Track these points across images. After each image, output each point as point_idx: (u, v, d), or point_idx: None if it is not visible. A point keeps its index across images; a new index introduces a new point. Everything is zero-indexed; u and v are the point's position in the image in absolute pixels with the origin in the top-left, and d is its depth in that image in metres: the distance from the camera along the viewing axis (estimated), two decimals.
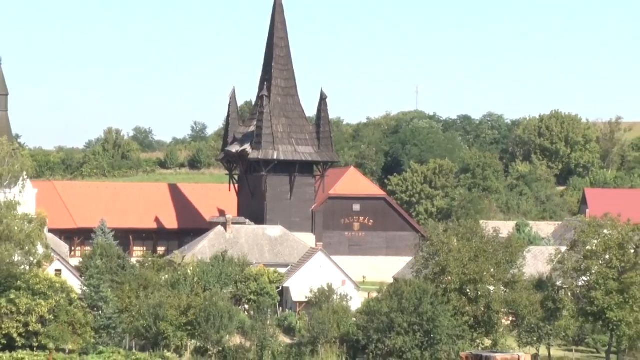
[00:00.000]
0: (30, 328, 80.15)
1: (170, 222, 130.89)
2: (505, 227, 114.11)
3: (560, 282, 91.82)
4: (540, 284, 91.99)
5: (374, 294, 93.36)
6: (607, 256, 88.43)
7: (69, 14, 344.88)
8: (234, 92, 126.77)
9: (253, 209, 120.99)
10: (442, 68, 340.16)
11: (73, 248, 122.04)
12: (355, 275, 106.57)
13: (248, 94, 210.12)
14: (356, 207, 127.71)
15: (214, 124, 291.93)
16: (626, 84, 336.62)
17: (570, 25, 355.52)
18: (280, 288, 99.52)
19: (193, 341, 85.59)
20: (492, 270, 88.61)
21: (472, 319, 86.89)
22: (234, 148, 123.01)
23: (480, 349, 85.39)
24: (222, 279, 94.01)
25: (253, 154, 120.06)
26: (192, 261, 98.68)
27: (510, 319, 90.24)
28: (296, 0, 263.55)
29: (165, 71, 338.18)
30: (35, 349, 79.85)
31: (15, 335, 79.93)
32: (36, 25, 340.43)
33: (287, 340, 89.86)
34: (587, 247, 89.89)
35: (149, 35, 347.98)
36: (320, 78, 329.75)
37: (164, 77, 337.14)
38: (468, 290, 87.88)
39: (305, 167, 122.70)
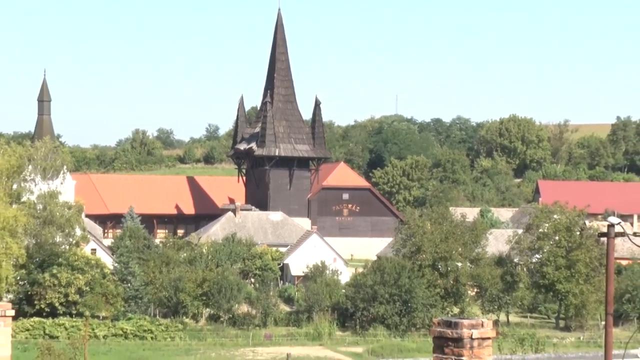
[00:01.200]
0: (70, 298, 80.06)
1: (188, 208, 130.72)
2: (470, 213, 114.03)
3: (517, 259, 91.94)
4: (500, 260, 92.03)
5: (360, 269, 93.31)
6: (557, 237, 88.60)
7: (105, 33, 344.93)
8: (242, 99, 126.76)
9: (258, 197, 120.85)
10: (418, 78, 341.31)
11: (106, 230, 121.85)
12: (344, 254, 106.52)
13: (254, 100, 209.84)
14: (345, 196, 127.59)
15: (225, 126, 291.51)
16: (573, 92, 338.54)
17: (527, 41, 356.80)
18: (281, 264, 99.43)
19: (207, 309, 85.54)
20: (459, 249, 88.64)
21: (443, 290, 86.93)
22: (242, 146, 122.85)
23: (449, 315, 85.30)
24: (232, 256, 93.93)
25: (258, 151, 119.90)
26: (206, 242, 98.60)
27: (475, 290, 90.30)
28: (295, 21, 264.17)
29: (185, 81, 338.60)
30: (73, 315, 79.77)
31: (57, 304, 79.85)
32: (76, 40, 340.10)
33: (287, 308, 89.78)
34: (540, 230, 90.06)
35: (172, 51, 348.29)
36: (315, 87, 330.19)
37: (183, 86, 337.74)
38: (439, 266, 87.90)
39: (302, 163, 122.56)
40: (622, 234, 17.63)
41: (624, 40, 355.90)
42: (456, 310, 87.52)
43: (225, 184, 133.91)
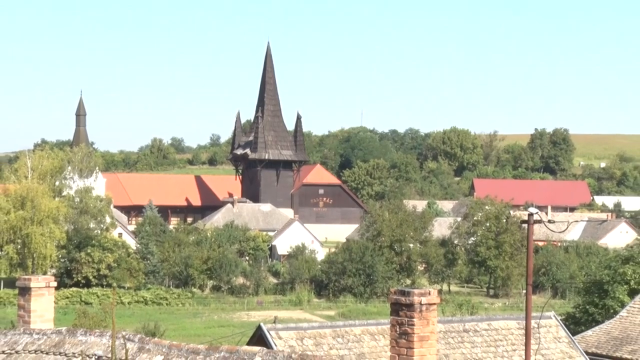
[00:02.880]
0: (101, 272, 79.68)
1: (196, 201, 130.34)
2: (420, 205, 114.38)
3: (457, 241, 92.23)
4: (443, 242, 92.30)
5: (333, 249, 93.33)
6: (488, 224, 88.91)
7: (131, 62, 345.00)
8: (238, 113, 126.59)
9: (251, 192, 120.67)
10: (379, 98, 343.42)
11: (130, 219, 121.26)
12: (320, 237, 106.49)
13: (248, 114, 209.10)
14: (321, 191, 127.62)
15: (226, 135, 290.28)
16: (501, 108, 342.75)
17: (466, 67, 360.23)
18: (270, 245, 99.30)
19: (211, 281, 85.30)
20: (411, 233, 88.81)
21: (398, 266, 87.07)
22: (239, 151, 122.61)
23: (403, 286, 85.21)
24: (231, 239, 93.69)
25: (252, 156, 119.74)
26: (210, 227, 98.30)
27: (424, 265, 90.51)
28: (281, 51, 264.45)
29: (193, 99, 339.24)
30: (104, 286, 79.41)
31: (91, 277, 79.46)
32: (107, 67, 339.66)
33: (274, 280, 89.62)
34: (474, 218, 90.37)
35: (184, 76, 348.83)
36: (297, 104, 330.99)
37: (192, 103, 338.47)
38: (395, 247, 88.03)
39: (287, 165, 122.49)
40: (539, 221, 17.73)
41: (542, 67, 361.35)
42: (408, 281, 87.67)
43: (225, 182, 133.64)
